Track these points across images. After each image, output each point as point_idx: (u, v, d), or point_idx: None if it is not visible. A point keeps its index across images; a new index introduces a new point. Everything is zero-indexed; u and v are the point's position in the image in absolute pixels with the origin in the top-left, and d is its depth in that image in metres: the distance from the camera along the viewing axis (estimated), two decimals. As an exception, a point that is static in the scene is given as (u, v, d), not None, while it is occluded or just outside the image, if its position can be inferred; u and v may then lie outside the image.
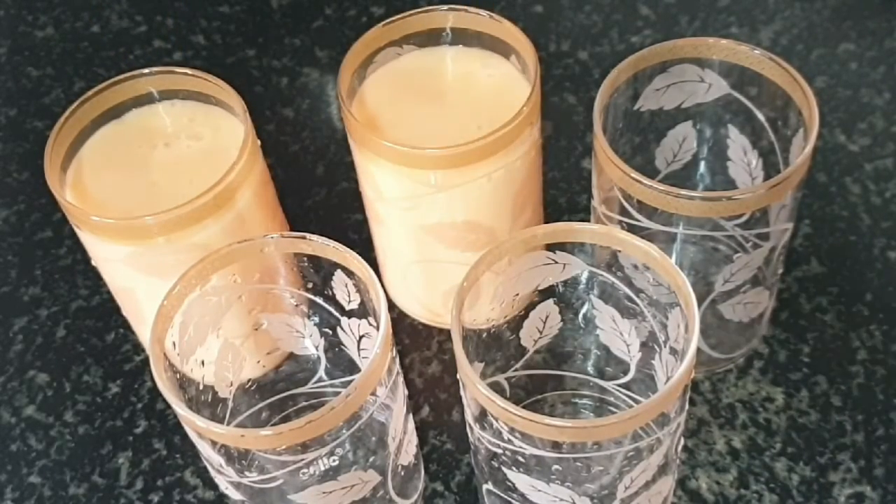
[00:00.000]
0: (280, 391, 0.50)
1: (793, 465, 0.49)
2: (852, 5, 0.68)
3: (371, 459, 0.42)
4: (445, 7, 0.50)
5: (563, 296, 0.43)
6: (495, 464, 0.41)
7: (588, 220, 0.51)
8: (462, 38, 0.51)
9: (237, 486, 0.41)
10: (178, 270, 0.42)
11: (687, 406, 0.41)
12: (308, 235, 0.42)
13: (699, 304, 0.44)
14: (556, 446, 0.37)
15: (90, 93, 0.48)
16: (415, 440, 0.46)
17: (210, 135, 0.49)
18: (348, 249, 0.41)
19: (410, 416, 0.45)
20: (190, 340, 0.43)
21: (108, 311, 0.57)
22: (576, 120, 0.64)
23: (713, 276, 0.46)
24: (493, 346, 0.44)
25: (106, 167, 0.48)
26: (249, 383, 0.48)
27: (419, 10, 0.50)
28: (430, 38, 0.51)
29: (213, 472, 0.42)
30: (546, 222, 0.52)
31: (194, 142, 0.49)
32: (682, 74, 0.48)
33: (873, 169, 0.59)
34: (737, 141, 0.47)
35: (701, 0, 0.69)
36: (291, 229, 0.52)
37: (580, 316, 0.45)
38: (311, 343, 0.48)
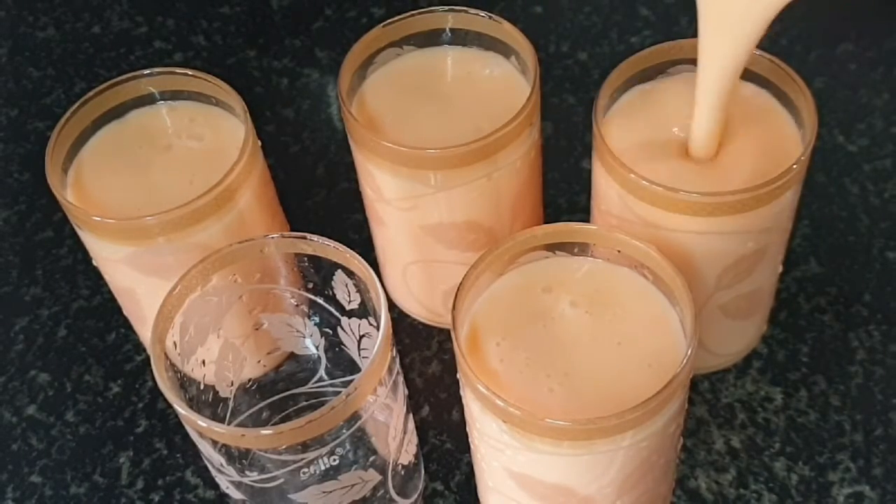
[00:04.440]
0: (280, 391, 0.50)
1: (792, 464, 0.49)
2: (851, 6, 0.68)
3: (371, 459, 0.42)
4: (445, 8, 0.50)
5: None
6: (495, 463, 0.41)
7: (588, 220, 0.51)
8: (462, 38, 0.51)
9: (238, 485, 0.41)
10: (179, 270, 0.42)
11: (686, 406, 0.41)
12: (308, 235, 0.42)
13: (699, 304, 0.44)
14: (556, 445, 0.37)
15: (91, 93, 0.48)
16: (415, 440, 0.46)
17: (210, 135, 0.49)
18: (348, 249, 0.42)
19: (410, 415, 0.45)
20: (190, 340, 0.43)
21: (108, 311, 0.57)
22: (576, 120, 0.64)
23: (712, 275, 0.46)
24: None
25: (107, 167, 0.48)
26: (250, 383, 0.49)
27: (419, 10, 0.50)
28: (430, 39, 0.51)
29: (213, 472, 0.42)
30: (546, 222, 0.52)
31: (195, 142, 0.49)
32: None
33: (872, 169, 0.59)
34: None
35: (700, 1, 0.69)
36: (291, 229, 0.52)
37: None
38: (311, 343, 0.48)
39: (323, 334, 0.47)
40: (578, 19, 0.70)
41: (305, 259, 0.43)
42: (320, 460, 0.39)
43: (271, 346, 0.48)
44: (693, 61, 0.47)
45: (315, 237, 0.42)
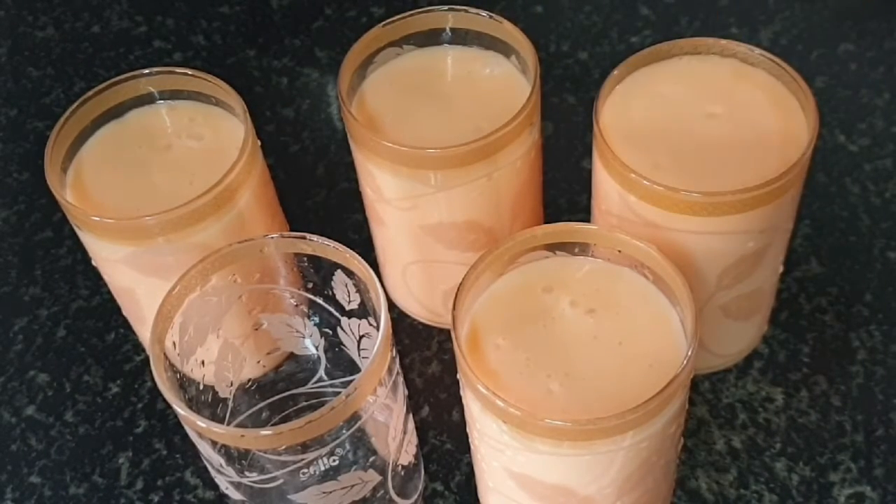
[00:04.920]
0: (280, 391, 0.50)
1: (792, 465, 0.49)
2: (852, 6, 0.68)
3: (371, 459, 0.42)
4: (445, 7, 0.50)
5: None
6: (495, 463, 0.41)
7: (588, 220, 0.51)
8: (462, 38, 0.51)
9: (237, 486, 0.41)
10: (178, 270, 0.42)
11: (687, 406, 0.41)
12: (308, 235, 0.42)
13: (699, 304, 0.44)
14: (556, 445, 0.37)
15: (90, 93, 0.48)
16: (415, 440, 0.46)
17: (210, 135, 0.49)
18: (348, 249, 0.42)
19: (410, 416, 0.45)
20: (190, 340, 0.43)
21: (108, 311, 0.57)
22: (576, 120, 0.64)
23: (713, 275, 0.46)
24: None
25: (106, 167, 0.48)
26: (249, 383, 0.49)
27: (419, 10, 0.50)
28: (430, 38, 0.51)
29: (213, 472, 0.42)
30: (546, 222, 0.52)
31: (194, 142, 0.49)
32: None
33: (873, 169, 0.59)
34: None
35: (701, 0, 0.69)
36: (291, 229, 0.52)
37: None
38: (311, 343, 0.48)
39: (323, 334, 0.47)
40: (578, 19, 0.70)
41: (305, 259, 0.43)
42: (320, 461, 0.39)
43: (271, 347, 0.48)
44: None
45: (315, 237, 0.42)
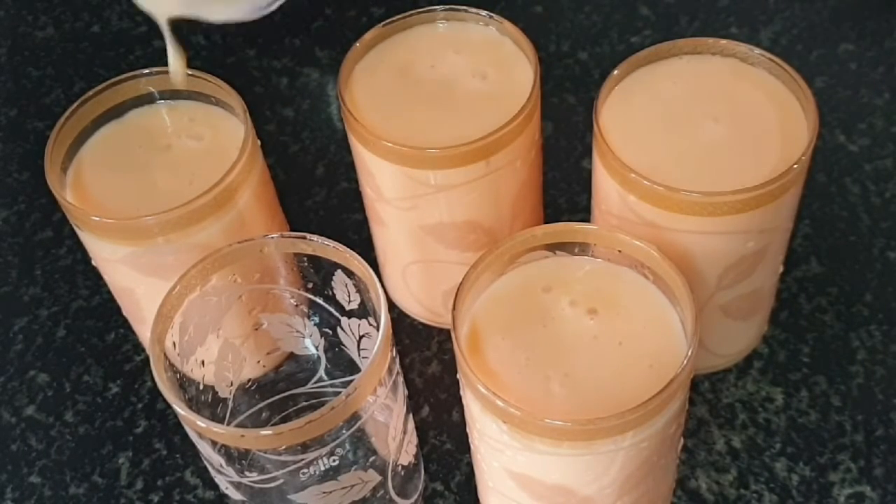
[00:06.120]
0: (280, 391, 0.50)
1: (792, 465, 0.49)
2: (852, 5, 0.68)
3: (371, 459, 0.42)
4: (445, 7, 0.50)
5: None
6: (495, 463, 0.41)
7: (588, 220, 0.51)
8: (462, 38, 0.51)
9: (237, 486, 0.41)
10: (178, 270, 0.42)
11: (687, 406, 0.41)
12: (308, 235, 0.42)
13: (699, 304, 0.44)
14: (556, 445, 0.37)
15: (90, 93, 0.48)
16: (415, 440, 0.46)
17: (210, 135, 0.49)
18: (348, 249, 0.42)
19: (410, 416, 0.45)
20: (190, 340, 0.43)
21: (108, 311, 0.57)
22: (576, 120, 0.64)
23: (713, 275, 0.46)
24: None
25: (106, 167, 0.48)
26: (249, 383, 0.49)
27: (418, 10, 0.50)
28: (430, 39, 0.51)
29: (213, 472, 0.42)
30: (546, 222, 0.52)
31: (194, 142, 0.49)
32: (681, 74, 0.48)
33: (873, 169, 0.59)
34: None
35: (701, 0, 0.69)
36: (291, 229, 0.52)
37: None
38: (311, 343, 0.48)
39: (323, 334, 0.47)
40: (578, 19, 0.70)
41: (305, 259, 0.43)
42: (320, 461, 0.39)
43: (271, 347, 0.48)
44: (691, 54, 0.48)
45: (315, 237, 0.42)
